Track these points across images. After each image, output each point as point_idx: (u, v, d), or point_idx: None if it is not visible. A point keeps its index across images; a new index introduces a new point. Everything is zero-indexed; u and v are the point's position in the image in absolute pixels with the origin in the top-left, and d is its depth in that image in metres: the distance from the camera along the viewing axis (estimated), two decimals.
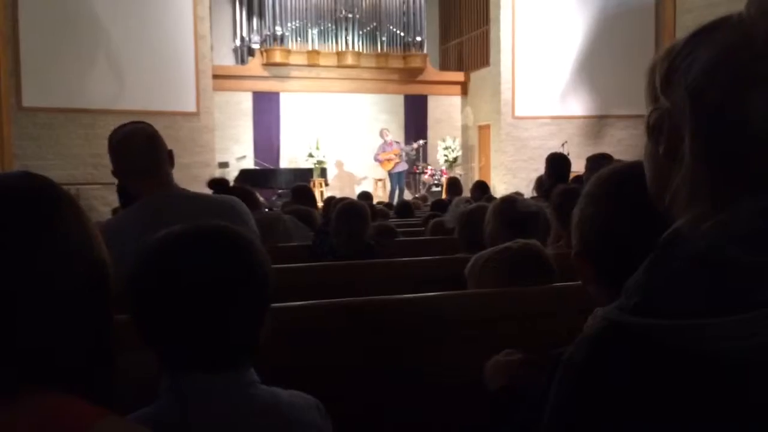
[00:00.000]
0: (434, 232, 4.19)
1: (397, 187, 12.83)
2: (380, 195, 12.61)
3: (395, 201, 10.99)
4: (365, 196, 8.07)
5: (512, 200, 2.27)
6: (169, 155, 2.12)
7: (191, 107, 11.49)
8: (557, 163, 4.63)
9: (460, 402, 1.33)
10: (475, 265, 1.70)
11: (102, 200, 9.98)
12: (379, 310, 1.62)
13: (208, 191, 3.33)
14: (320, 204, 9.66)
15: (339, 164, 13.88)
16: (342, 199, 4.18)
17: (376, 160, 12.90)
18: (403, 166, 12.95)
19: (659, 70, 0.72)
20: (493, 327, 1.57)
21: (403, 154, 12.91)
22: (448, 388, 1.46)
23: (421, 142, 13.52)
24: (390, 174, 12.94)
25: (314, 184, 12.64)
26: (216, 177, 3.90)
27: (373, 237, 3.22)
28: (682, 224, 0.69)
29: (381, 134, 12.95)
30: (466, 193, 8.29)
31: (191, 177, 9.45)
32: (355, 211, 3.15)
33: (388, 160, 12.80)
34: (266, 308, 0.99)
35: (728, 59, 0.66)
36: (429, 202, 8.59)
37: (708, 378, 0.60)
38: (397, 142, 13.07)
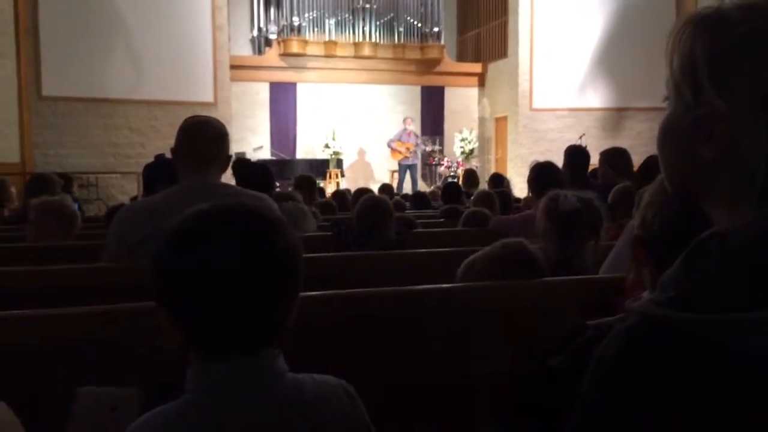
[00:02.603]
0: (468, 223, 3.80)
1: (408, 178, 12.83)
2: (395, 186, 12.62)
3: (402, 191, 11.01)
4: (386, 188, 8.04)
5: (555, 198, 2.27)
6: (227, 159, 2.25)
7: (209, 97, 11.53)
8: (576, 156, 4.58)
9: (481, 392, 1.33)
10: (463, 268, 1.72)
11: (120, 189, 10.07)
12: (398, 301, 1.61)
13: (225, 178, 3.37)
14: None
15: (355, 155, 13.87)
16: (362, 192, 4.14)
17: (388, 145, 12.91)
18: (414, 160, 12.95)
19: (702, 58, 0.69)
20: (515, 318, 1.57)
21: (417, 152, 12.93)
22: (467, 378, 1.46)
23: (438, 147, 13.52)
24: (400, 165, 12.96)
25: (330, 175, 12.66)
26: (240, 156, 3.87)
27: (400, 231, 3.20)
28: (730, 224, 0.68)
29: (404, 122, 12.95)
30: (483, 185, 8.26)
31: None
32: (378, 206, 3.14)
33: (399, 152, 12.80)
34: (295, 294, 0.97)
35: None
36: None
37: (746, 373, 0.59)
38: (417, 136, 13.05)
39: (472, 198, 4.31)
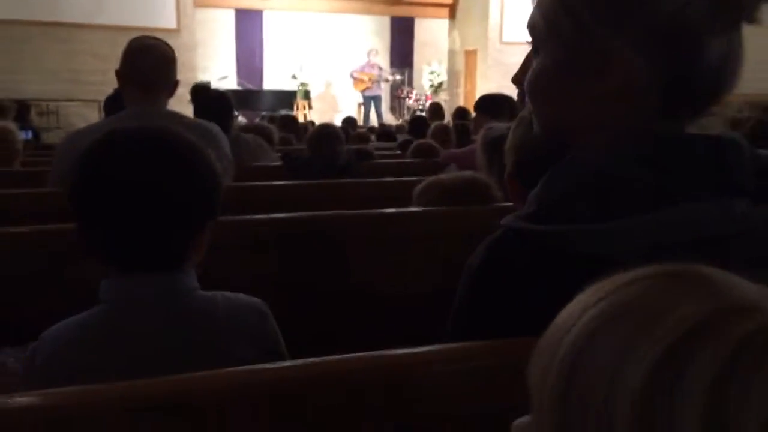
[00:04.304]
0: (415, 154, 4.09)
1: (372, 111, 12.75)
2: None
3: (369, 124, 10.97)
4: (349, 121, 8.02)
5: (488, 128, 2.30)
6: (175, 84, 2.20)
7: (171, 24, 11.17)
8: None
9: (404, 311, 1.41)
10: (415, 193, 1.78)
11: (81, 117, 9.83)
12: (327, 226, 1.67)
13: (189, 109, 3.33)
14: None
15: (323, 86, 13.69)
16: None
17: (351, 75, 12.77)
18: (377, 91, 12.81)
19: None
20: (439, 243, 1.65)
21: (381, 82, 12.78)
22: (393, 298, 1.54)
23: (399, 77, 13.36)
24: (363, 97, 12.83)
25: (298, 106, 12.51)
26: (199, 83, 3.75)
27: (349, 159, 3.28)
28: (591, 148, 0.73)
29: (368, 53, 12.77)
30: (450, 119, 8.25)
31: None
32: (328, 133, 3.22)
33: (360, 80, 12.66)
34: (207, 216, 1.00)
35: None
36: None
37: (587, 279, 0.66)
38: (381, 68, 12.88)
39: (429, 131, 4.35)
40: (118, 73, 2.17)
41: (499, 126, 2.11)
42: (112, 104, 4.52)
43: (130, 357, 0.91)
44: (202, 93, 3.42)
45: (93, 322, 0.95)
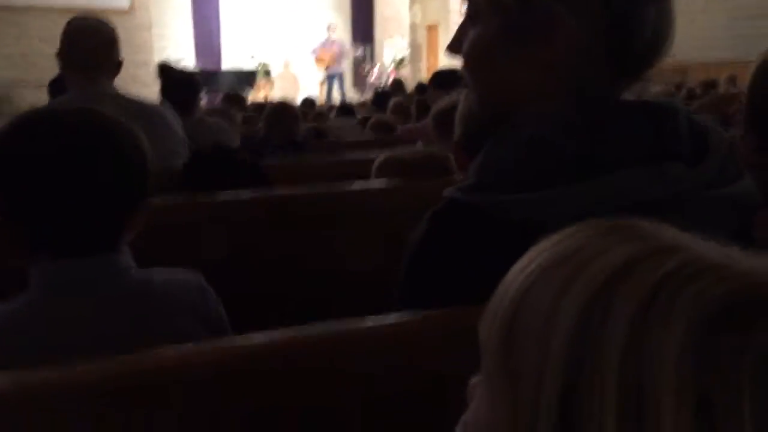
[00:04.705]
0: (373, 130, 4.14)
1: (336, 88, 12.65)
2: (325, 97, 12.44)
3: (331, 102, 10.90)
4: (307, 102, 7.91)
5: (440, 102, 2.31)
6: (118, 65, 2.15)
7: (124, 4, 10.88)
8: None
9: (362, 286, 1.42)
10: (374, 167, 1.79)
11: (34, 103, 9.57)
12: (289, 204, 1.67)
13: (148, 90, 3.26)
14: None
15: (283, 65, 13.50)
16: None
17: (312, 52, 12.65)
18: (339, 69, 12.70)
19: None
20: (400, 217, 1.65)
21: (342, 60, 12.67)
22: (350, 274, 1.55)
23: (360, 52, 13.26)
24: (326, 75, 12.74)
25: (258, 86, 12.33)
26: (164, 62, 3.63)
27: (304, 137, 3.27)
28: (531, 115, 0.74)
29: (328, 28, 12.62)
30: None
31: (128, 76, 9.06)
32: (283, 109, 3.21)
33: (321, 60, 12.54)
34: (137, 197, 0.97)
35: None
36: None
37: (525, 245, 0.67)
38: (341, 44, 12.75)
39: (389, 106, 4.34)
40: (58, 55, 2.12)
41: (451, 99, 2.11)
42: (56, 87, 4.39)
43: (67, 343, 0.87)
44: (168, 73, 3.33)
45: (25, 309, 0.91)
